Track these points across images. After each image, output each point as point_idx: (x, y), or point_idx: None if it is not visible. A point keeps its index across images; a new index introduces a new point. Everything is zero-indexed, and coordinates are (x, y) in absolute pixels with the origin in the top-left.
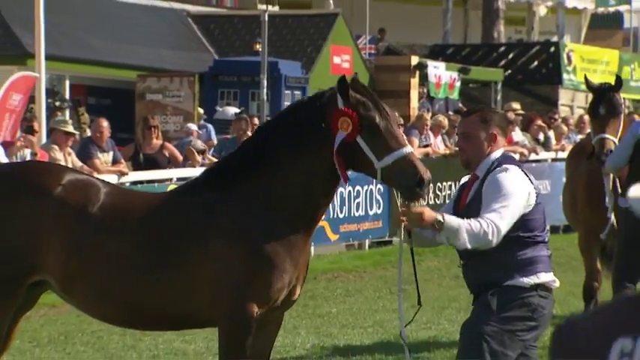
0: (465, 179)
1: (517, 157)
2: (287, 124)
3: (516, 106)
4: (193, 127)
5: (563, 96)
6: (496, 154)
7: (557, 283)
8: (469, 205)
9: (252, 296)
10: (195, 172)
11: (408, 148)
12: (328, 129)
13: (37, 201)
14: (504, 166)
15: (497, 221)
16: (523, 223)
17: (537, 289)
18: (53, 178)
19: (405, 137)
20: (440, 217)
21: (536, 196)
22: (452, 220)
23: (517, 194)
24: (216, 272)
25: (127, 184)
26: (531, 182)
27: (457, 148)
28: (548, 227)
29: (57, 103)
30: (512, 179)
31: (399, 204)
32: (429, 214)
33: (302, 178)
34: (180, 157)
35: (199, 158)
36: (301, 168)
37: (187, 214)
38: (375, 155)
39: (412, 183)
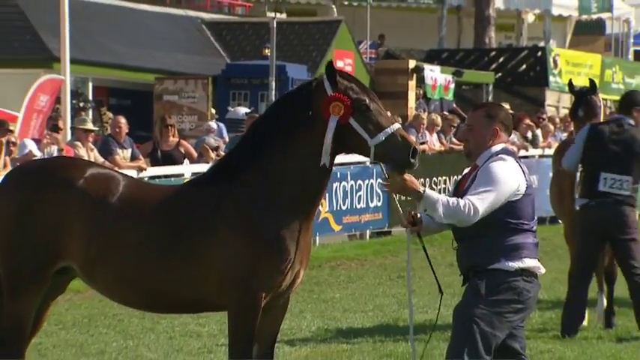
0: (466, 170)
1: None
2: (277, 117)
3: (506, 106)
4: (213, 125)
5: (550, 97)
6: (497, 147)
7: (542, 270)
8: (466, 191)
9: (258, 282)
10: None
11: (397, 125)
12: (317, 116)
13: (62, 193)
14: (500, 156)
15: (476, 202)
16: (512, 210)
17: (522, 274)
18: (77, 172)
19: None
20: (420, 189)
21: (527, 188)
22: (431, 193)
23: (505, 182)
24: (223, 260)
25: (146, 179)
26: (524, 174)
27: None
28: (536, 218)
29: (81, 104)
30: (504, 168)
31: (385, 176)
32: (411, 182)
33: (297, 166)
34: (195, 154)
35: (213, 155)
36: (295, 157)
37: (197, 206)
38: (368, 134)
39: (406, 154)
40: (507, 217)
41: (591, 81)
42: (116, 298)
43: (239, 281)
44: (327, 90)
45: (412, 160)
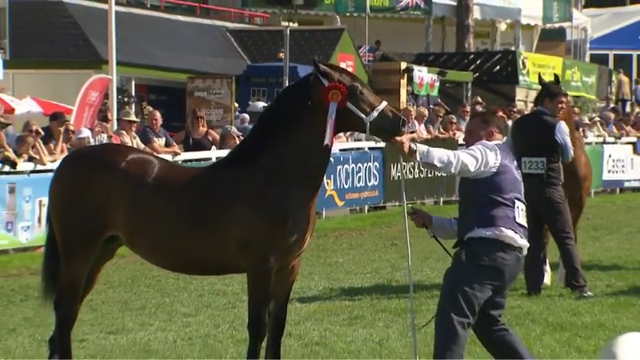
0: None
1: None
2: (281, 109)
3: (480, 100)
4: (246, 116)
5: (519, 93)
6: (491, 143)
7: (521, 242)
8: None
9: (271, 247)
10: None
11: (385, 102)
12: (316, 105)
13: (108, 174)
14: (484, 142)
15: (462, 155)
16: (489, 184)
17: (496, 242)
18: (120, 156)
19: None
20: (414, 145)
21: (502, 166)
22: (423, 145)
23: (487, 150)
24: (241, 230)
25: (179, 162)
26: (500, 153)
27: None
28: (519, 195)
29: (125, 99)
30: (490, 145)
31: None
32: (407, 141)
33: (301, 148)
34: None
35: (238, 142)
36: (298, 141)
37: (219, 185)
38: (363, 113)
39: (396, 125)
40: (485, 192)
41: (556, 76)
42: (154, 262)
43: (255, 247)
44: (324, 82)
45: (403, 129)
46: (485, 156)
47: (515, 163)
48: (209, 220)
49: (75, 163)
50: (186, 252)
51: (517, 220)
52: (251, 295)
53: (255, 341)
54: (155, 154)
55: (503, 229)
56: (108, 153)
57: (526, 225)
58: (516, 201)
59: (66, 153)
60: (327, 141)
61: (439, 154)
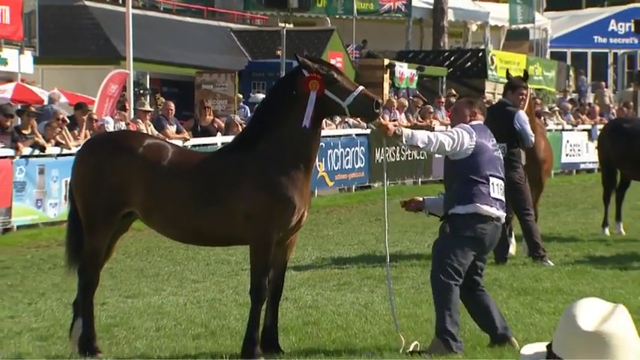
0: None
1: None
2: (272, 99)
3: (454, 92)
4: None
5: (488, 86)
6: (473, 122)
7: (497, 212)
8: None
9: (272, 222)
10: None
11: (361, 87)
12: (301, 94)
13: (126, 157)
14: (462, 124)
15: (441, 136)
16: (467, 165)
17: (475, 216)
18: (137, 142)
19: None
20: (397, 130)
21: (477, 147)
22: (406, 129)
23: (463, 132)
24: (245, 206)
25: (189, 147)
26: (483, 137)
27: (418, 122)
28: (496, 174)
29: (141, 91)
30: (467, 127)
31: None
32: (391, 125)
33: (292, 133)
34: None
35: (240, 129)
36: (289, 127)
37: (225, 168)
38: (340, 99)
39: (371, 107)
40: (463, 172)
41: (525, 72)
42: (167, 235)
43: (257, 221)
44: (305, 73)
45: (377, 111)
46: (462, 137)
47: (494, 141)
48: (217, 198)
49: (96, 148)
50: (197, 226)
51: (492, 195)
52: (253, 264)
53: (256, 305)
54: (167, 140)
55: (479, 204)
56: (126, 139)
57: (503, 197)
58: (491, 178)
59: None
60: (305, 123)
61: (421, 136)
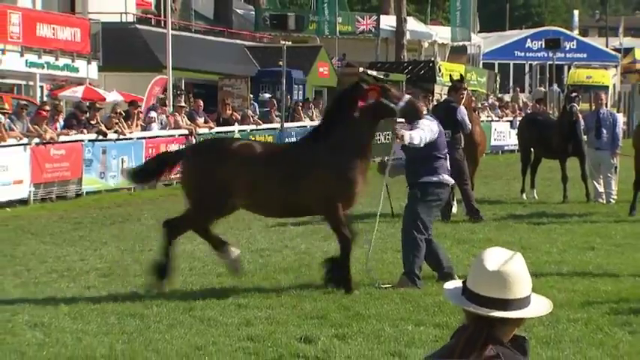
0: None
1: None
2: (337, 106)
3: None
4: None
5: (437, 89)
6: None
7: (451, 180)
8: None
9: (339, 198)
10: (247, 127)
11: (407, 96)
12: (356, 102)
13: (228, 158)
14: (427, 116)
15: (426, 133)
16: (434, 145)
17: (439, 184)
18: (232, 144)
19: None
20: (407, 136)
21: (439, 132)
22: (406, 133)
23: (433, 123)
24: (320, 189)
25: (214, 133)
26: (438, 125)
27: None
28: (446, 150)
29: (177, 92)
30: (433, 119)
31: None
32: (400, 133)
33: (353, 133)
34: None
35: (252, 120)
36: (351, 127)
37: (302, 157)
38: (394, 104)
39: (417, 111)
40: (430, 150)
41: (461, 75)
42: (261, 213)
43: (328, 198)
44: (365, 87)
45: (419, 114)
46: (435, 128)
47: (442, 128)
48: (299, 181)
49: (202, 152)
50: (285, 203)
51: (447, 167)
52: (333, 226)
53: (345, 254)
54: (251, 139)
55: (443, 175)
56: (224, 143)
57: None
58: (446, 154)
59: (139, 128)
60: (356, 114)
61: (417, 137)
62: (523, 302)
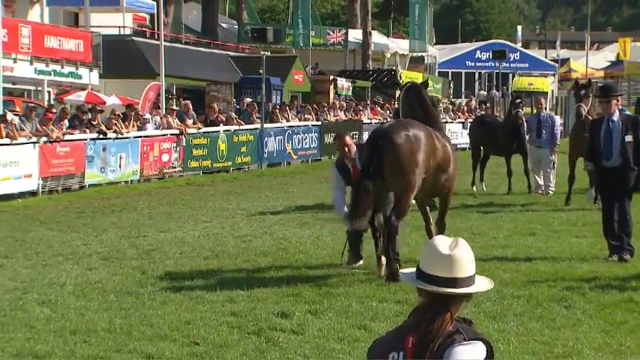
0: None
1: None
2: (406, 102)
3: (377, 98)
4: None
5: (398, 94)
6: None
7: None
8: None
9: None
10: (231, 127)
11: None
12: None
13: (426, 140)
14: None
15: None
16: None
17: None
18: (425, 129)
19: None
20: None
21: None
22: None
23: None
24: (445, 176)
25: (201, 133)
26: None
27: (352, 117)
28: None
29: (169, 96)
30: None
31: None
32: None
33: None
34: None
35: (235, 122)
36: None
37: (442, 142)
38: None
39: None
40: None
41: (425, 81)
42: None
43: (449, 185)
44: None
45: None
46: None
47: None
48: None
49: (409, 138)
50: (425, 189)
51: None
52: (444, 210)
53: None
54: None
55: None
56: (417, 128)
57: None
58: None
59: (135, 128)
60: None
61: None
62: (470, 280)
